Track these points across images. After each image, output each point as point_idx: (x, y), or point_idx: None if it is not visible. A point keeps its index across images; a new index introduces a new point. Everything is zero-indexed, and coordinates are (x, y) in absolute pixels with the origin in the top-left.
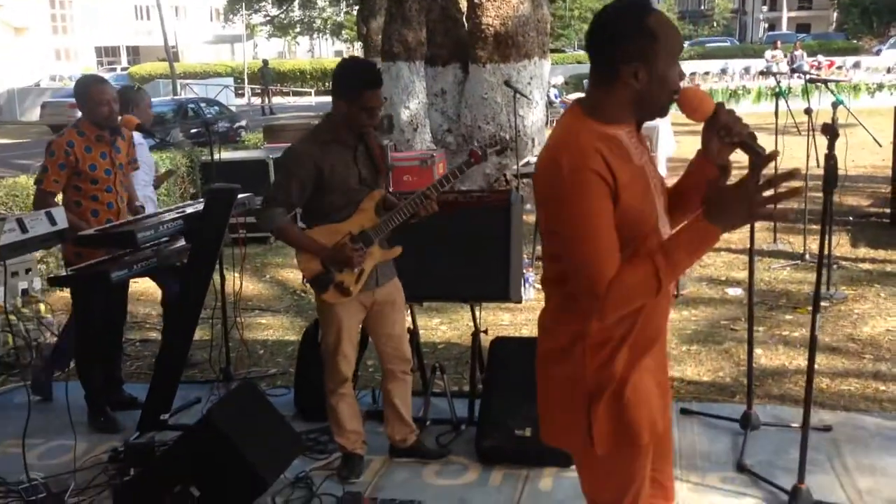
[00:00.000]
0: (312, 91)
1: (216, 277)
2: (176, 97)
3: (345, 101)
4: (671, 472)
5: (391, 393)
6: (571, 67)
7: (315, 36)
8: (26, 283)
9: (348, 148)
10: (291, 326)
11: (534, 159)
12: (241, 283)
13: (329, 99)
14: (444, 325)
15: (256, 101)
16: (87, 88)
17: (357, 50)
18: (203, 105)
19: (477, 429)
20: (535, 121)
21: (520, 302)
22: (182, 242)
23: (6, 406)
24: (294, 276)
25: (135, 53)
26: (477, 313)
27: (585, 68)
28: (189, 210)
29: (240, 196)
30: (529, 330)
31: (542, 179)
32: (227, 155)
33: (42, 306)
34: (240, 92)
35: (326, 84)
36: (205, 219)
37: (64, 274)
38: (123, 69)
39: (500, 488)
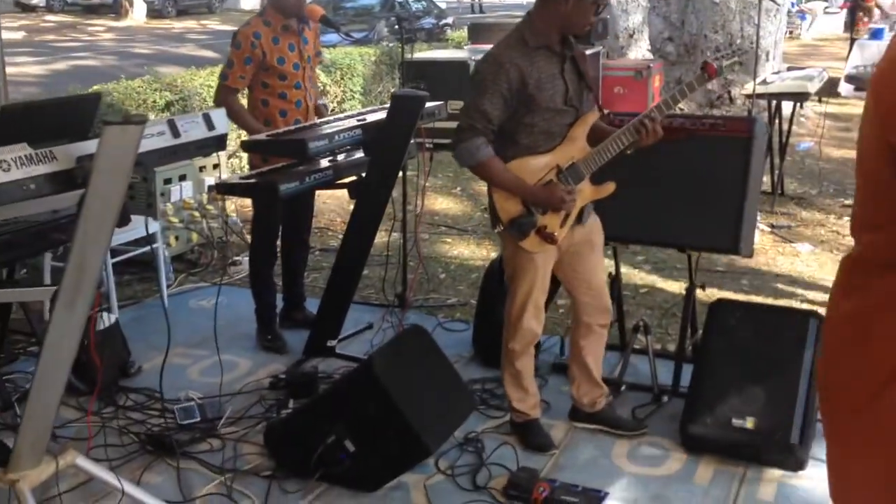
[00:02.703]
0: None
1: (397, 190)
2: None
3: None
4: None
5: (584, 349)
6: None
7: None
8: (213, 179)
9: (556, 57)
10: (478, 250)
11: (773, 77)
12: (423, 199)
13: None
14: (649, 265)
15: None
16: None
17: None
18: (411, 0)
19: (685, 407)
20: (774, 31)
21: (750, 256)
22: (361, 154)
23: (182, 307)
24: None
25: None
26: (694, 264)
27: None
28: (370, 118)
29: (428, 105)
30: (752, 285)
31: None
32: (426, 54)
33: (229, 204)
34: None
35: None
36: (387, 129)
37: (231, 181)
38: None
39: (707, 489)
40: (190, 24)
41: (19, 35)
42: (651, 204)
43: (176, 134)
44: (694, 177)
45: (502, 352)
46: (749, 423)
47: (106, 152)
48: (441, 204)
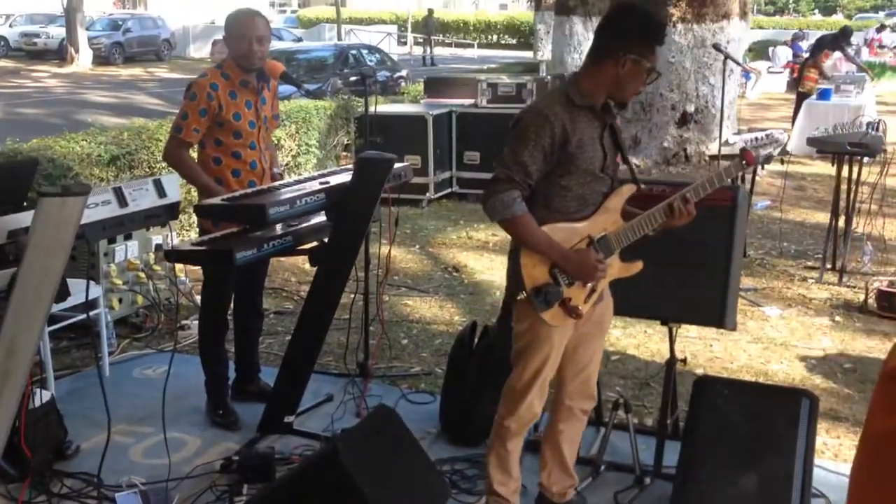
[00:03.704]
0: (475, 44)
1: (361, 251)
2: (338, 42)
3: (623, 55)
4: None
5: (562, 433)
6: (752, 33)
7: None
8: (160, 238)
9: (598, 121)
10: (440, 313)
11: (734, 138)
12: (388, 263)
13: (492, 53)
14: (618, 330)
15: (418, 50)
16: (235, 16)
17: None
18: (365, 52)
19: (672, 497)
20: (729, 91)
21: (734, 329)
22: (322, 218)
23: (125, 376)
24: (449, 249)
25: None
26: (674, 334)
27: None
28: (333, 181)
29: (396, 166)
30: (738, 364)
31: None
32: (383, 108)
33: (177, 265)
34: (402, 40)
35: (490, 37)
36: (353, 194)
37: (182, 248)
38: (293, 12)
39: None
40: (137, 71)
41: None
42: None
43: (123, 203)
44: (675, 247)
45: (494, 428)
46: None
47: (42, 227)
48: (400, 261)
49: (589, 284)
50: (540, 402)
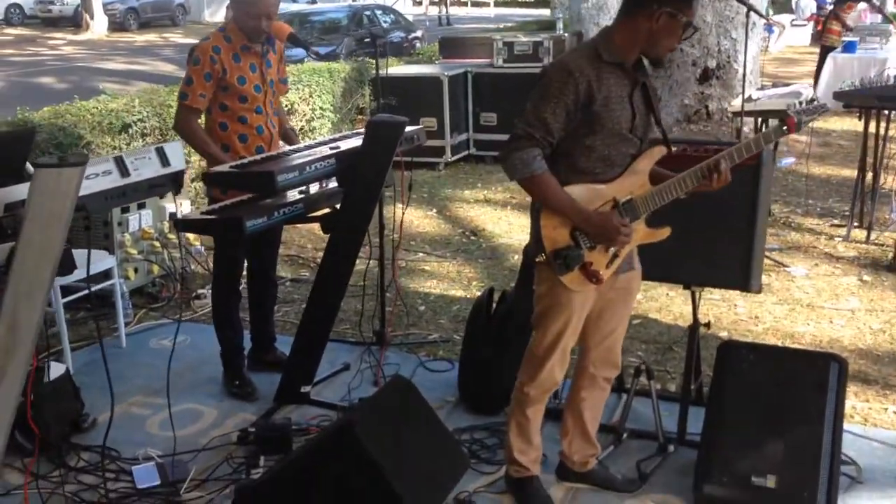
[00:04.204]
0: (491, 2)
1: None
2: (352, 3)
3: (657, 8)
4: None
5: (584, 402)
6: None
7: None
8: (174, 205)
9: (627, 79)
10: (458, 278)
11: (758, 94)
12: (401, 229)
13: (509, 11)
14: (640, 294)
15: (434, 11)
16: None
17: None
18: (379, 13)
19: (697, 463)
20: (751, 45)
21: (759, 292)
22: (334, 184)
23: (141, 347)
24: (466, 212)
25: None
26: (697, 298)
27: None
28: (344, 146)
29: (407, 130)
30: (763, 326)
31: None
32: (398, 69)
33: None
34: (418, 1)
35: None
36: (363, 159)
37: (191, 217)
38: None
39: None
40: (152, 37)
41: None
42: None
43: (125, 173)
44: (697, 208)
45: (513, 395)
46: (770, 481)
47: (39, 199)
48: (417, 226)
49: (611, 249)
50: (561, 368)
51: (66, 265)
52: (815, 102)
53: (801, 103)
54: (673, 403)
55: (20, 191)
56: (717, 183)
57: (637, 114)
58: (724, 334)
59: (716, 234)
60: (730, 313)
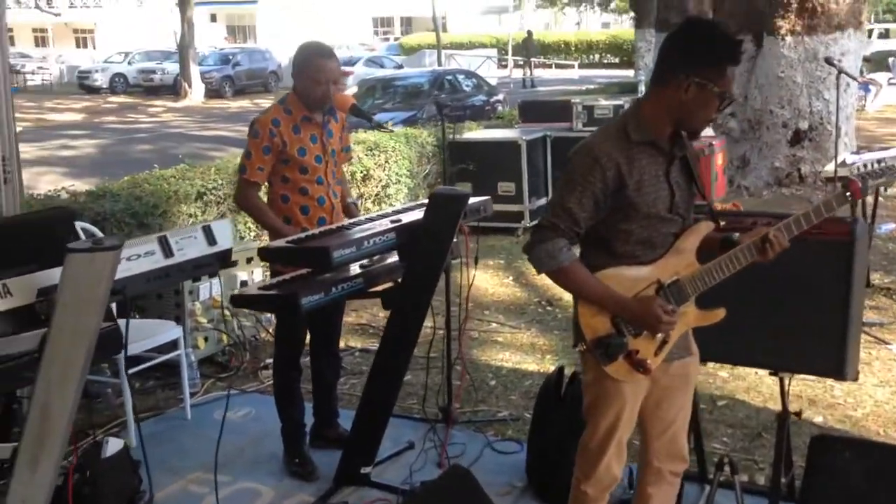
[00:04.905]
0: (576, 64)
1: (441, 282)
2: (434, 68)
3: (686, 78)
4: None
5: (651, 500)
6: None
7: (582, 7)
8: (245, 274)
9: (662, 157)
10: (532, 350)
11: (852, 157)
12: (468, 299)
13: (594, 73)
14: (725, 371)
15: (518, 73)
16: (308, 58)
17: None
18: (461, 77)
19: None
20: (845, 106)
21: (855, 380)
22: (394, 258)
23: (206, 418)
24: (543, 280)
25: (407, 24)
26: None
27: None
28: (405, 219)
29: (472, 201)
30: (863, 411)
31: None
32: (475, 134)
33: None
34: (503, 63)
35: (591, 57)
36: (424, 232)
37: (248, 293)
38: (395, 39)
39: None
40: (245, 103)
41: (80, 117)
42: (734, 317)
43: (168, 253)
44: (783, 287)
45: (571, 493)
46: None
47: (71, 285)
48: (492, 294)
49: (658, 335)
50: (619, 462)
51: (111, 346)
52: (884, 163)
53: (865, 165)
54: (761, 498)
55: (55, 275)
56: (769, 256)
57: (676, 192)
58: (818, 419)
59: (804, 315)
60: (826, 395)
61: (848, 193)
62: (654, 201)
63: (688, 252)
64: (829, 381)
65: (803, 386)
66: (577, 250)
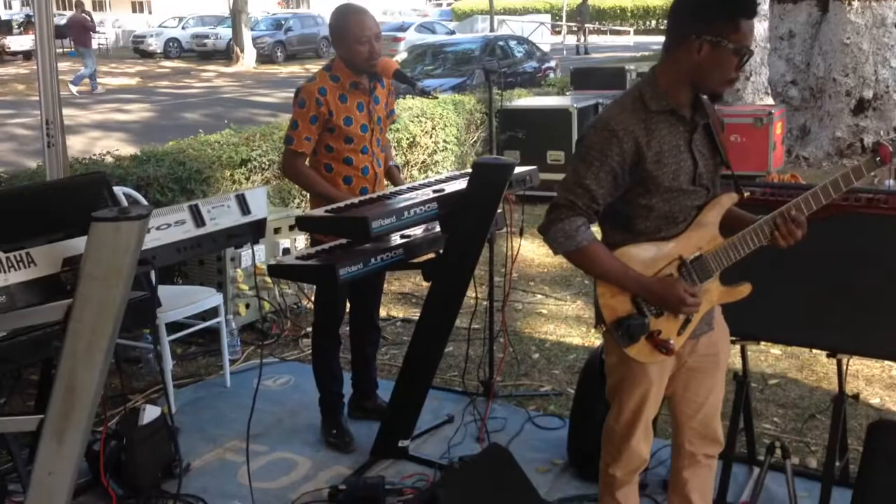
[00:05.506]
0: (632, 30)
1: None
2: (486, 34)
3: (697, 37)
4: None
5: (688, 483)
6: None
7: None
8: (288, 241)
9: (682, 125)
10: (577, 322)
11: None
12: (511, 272)
13: (649, 39)
14: (778, 347)
15: (572, 39)
16: (345, 20)
17: None
18: (513, 43)
19: None
20: None
21: None
22: (437, 229)
23: (245, 386)
24: None
25: None
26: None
27: None
28: (448, 188)
29: (518, 171)
30: None
31: None
32: (525, 101)
33: None
34: (556, 29)
35: (647, 23)
36: (467, 204)
37: (285, 262)
38: (448, 4)
39: None
40: (294, 68)
41: (134, 81)
42: (791, 295)
43: (200, 222)
44: (846, 264)
45: (600, 478)
46: None
47: (96, 254)
48: (538, 265)
49: (682, 315)
50: (647, 443)
51: (144, 315)
52: None
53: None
54: (813, 483)
55: (81, 244)
56: (784, 239)
57: (700, 162)
58: (875, 401)
59: (868, 294)
60: (883, 375)
61: (878, 158)
62: (674, 173)
63: (710, 226)
64: (888, 361)
65: (860, 365)
66: (593, 232)
